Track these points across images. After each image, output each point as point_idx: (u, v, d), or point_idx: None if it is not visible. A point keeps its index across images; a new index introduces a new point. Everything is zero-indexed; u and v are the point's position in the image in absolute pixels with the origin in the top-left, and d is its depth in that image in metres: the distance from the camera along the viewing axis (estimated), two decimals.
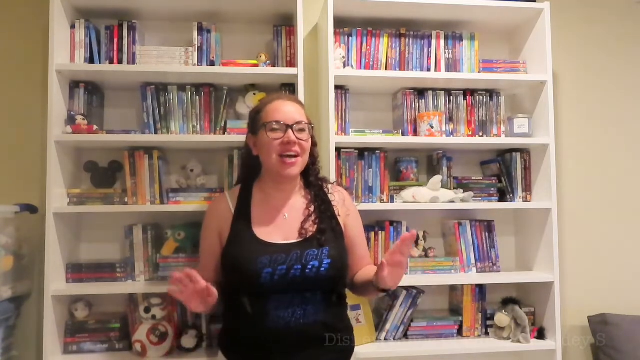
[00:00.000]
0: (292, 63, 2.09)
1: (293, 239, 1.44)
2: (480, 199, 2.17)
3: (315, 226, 1.46)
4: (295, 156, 1.43)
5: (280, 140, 1.41)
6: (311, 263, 1.39)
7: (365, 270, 1.54)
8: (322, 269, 1.39)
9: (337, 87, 2.05)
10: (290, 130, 1.42)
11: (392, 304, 2.08)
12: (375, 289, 1.40)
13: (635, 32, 2.53)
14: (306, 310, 1.37)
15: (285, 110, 1.45)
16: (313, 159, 1.55)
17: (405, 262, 1.34)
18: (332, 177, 1.94)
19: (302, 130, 1.45)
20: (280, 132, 1.42)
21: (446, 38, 2.20)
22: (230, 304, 1.47)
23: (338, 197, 1.57)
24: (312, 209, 1.50)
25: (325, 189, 1.56)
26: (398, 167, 2.22)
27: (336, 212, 1.53)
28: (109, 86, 2.13)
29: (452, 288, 2.26)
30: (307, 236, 1.44)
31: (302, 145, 1.44)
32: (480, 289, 2.16)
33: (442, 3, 2.08)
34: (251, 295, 1.39)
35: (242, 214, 1.48)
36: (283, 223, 1.47)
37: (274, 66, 2.10)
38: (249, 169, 1.58)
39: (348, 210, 1.58)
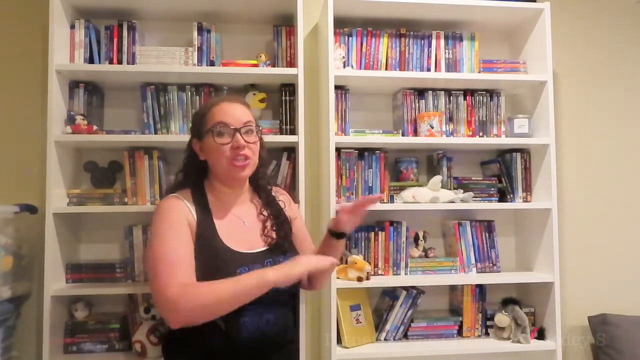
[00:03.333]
0: (292, 63, 2.09)
1: (259, 247, 1.41)
2: (480, 199, 2.17)
3: (274, 232, 1.45)
4: (246, 159, 1.38)
5: (229, 144, 1.36)
6: None
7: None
8: None
9: (337, 87, 2.05)
10: (238, 134, 1.36)
11: (392, 304, 2.08)
12: (331, 237, 1.50)
13: (635, 32, 2.53)
14: (276, 315, 1.38)
15: (232, 113, 1.39)
16: (261, 160, 1.49)
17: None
18: (332, 177, 1.95)
19: (249, 131, 1.39)
20: (227, 136, 1.36)
21: (446, 38, 2.20)
22: None
23: (284, 199, 1.57)
24: (265, 213, 1.48)
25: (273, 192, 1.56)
26: (398, 167, 2.21)
27: (287, 215, 1.53)
28: (109, 86, 2.13)
29: (452, 288, 2.26)
30: (273, 243, 1.43)
31: (252, 147, 1.39)
32: (480, 289, 2.16)
33: (442, 3, 2.08)
34: None
35: (206, 222, 1.38)
36: (245, 231, 1.43)
37: (274, 66, 2.09)
38: (195, 173, 1.47)
39: (294, 213, 1.59)
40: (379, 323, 2.09)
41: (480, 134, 2.20)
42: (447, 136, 2.16)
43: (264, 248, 1.42)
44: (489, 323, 2.16)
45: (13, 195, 2.05)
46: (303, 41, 1.99)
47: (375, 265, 2.09)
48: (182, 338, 1.37)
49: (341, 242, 1.52)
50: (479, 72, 2.19)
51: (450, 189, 2.12)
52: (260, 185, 1.53)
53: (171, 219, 1.34)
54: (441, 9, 2.12)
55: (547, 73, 2.12)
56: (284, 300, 1.43)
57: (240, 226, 1.44)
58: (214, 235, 1.37)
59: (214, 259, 1.33)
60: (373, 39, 2.16)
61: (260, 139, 1.47)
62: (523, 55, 2.30)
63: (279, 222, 1.48)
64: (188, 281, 1.25)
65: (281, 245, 1.44)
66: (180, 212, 1.36)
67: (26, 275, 1.99)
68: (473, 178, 2.21)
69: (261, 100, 2.09)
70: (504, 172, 2.22)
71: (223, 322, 1.31)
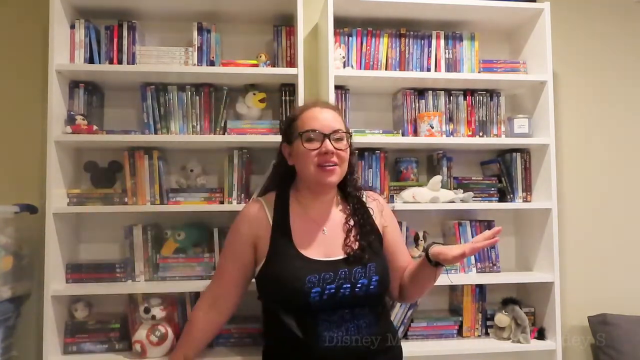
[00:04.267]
0: (292, 63, 2.09)
1: (336, 255, 1.38)
2: (480, 199, 2.17)
3: (357, 242, 1.40)
4: (334, 165, 1.37)
5: (317, 150, 1.35)
6: (360, 281, 1.34)
7: (409, 269, 1.50)
8: (372, 286, 1.36)
9: (337, 87, 2.05)
10: (327, 140, 1.35)
11: (392, 304, 2.07)
12: (430, 267, 1.37)
13: (635, 32, 2.53)
14: (358, 326, 1.33)
15: (322, 117, 1.38)
16: (351, 168, 1.48)
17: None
18: None
19: (339, 139, 1.38)
20: (317, 142, 1.36)
21: (446, 38, 2.20)
22: (272, 322, 1.39)
23: (375, 207, 1.52)
24: (351, 223, 1.44)
25: (363, 199, 1.51)
26: (398, 167, 2.21)
27: (376, 224, 1.48)
28: (109, 86, 2.13)
29: (452, 288, 2.25)
30: (352, 253, 1.38)
31: (340, 155, 1.38)
32: (480, 289, 2.15)
33: (442, 3, 2.08)
34: (296, 315, 1.32)
35: (282, 227, 1.40)
36: (323, 238, 1.41)
37: (274, 66, 2.09)
38: (283, 178, 1.50)
39: (386, 221, 1.53)
40: None
41: (480, 134, 2.20)
42: (447, 136, 2.16)
43: (341, 257, 1.38)
44: (489, 323, 2.16)
45: (13, 195, 2.05)
46: (303, 41, 1.99)
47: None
48: (269, 347, 1.46)
49: (438, 270, 1.39)
50: (479, 72, 2.19)
51: (450, 189, 2.12)
52: (349, 193, 1.48)
53: (236, 232, 1.45)
54: (441, 9, 2.12)
55: (547, 73, 2.12)
56: (368, 309, 1.37)
57: (318, 233, 1.42)
58: (289, 239, 1.38)
59: (286, 261, 1.34)
60: (373, 39, 2.15)
61: (350, 147, 1.44)
62: (523, 55, 2.30)
63: (364, 232, 1.43)
64: (216, 293, 1.48)
65: (360, 257, 1.37)
66: (249, 224, 1.43)
67: (26, 275, 1.99)
68: (473, 178, 2.21)
69: (261, 100, 2.09)
70: (504, 172, 2.22)
71: (298, 329, 1.30)
